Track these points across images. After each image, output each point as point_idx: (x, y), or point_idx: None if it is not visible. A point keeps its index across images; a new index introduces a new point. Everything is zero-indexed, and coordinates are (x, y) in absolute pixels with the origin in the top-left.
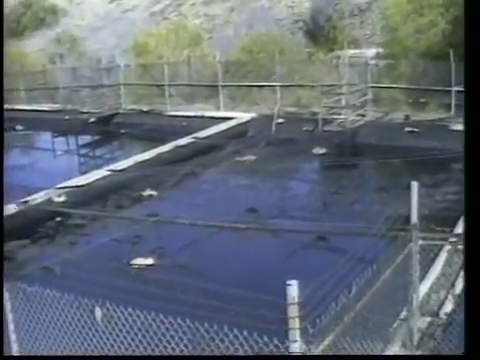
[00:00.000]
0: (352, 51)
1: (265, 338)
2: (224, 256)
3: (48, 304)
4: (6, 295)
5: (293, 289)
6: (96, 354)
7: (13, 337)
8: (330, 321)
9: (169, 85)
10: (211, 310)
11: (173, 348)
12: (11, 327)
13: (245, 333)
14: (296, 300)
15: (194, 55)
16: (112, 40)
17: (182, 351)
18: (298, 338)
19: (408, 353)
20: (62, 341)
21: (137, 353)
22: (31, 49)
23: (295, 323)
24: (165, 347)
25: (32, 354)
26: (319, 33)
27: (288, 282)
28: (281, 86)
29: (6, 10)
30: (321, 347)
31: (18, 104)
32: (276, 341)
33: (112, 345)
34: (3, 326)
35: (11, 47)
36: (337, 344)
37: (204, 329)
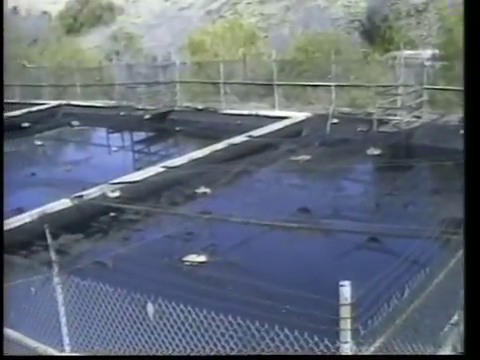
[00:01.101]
0: (408, 52)
1: (316, 338)
2: (276, 255)
3: (100, 298)
4: (59, 288)
5: (346, 290)
6: (147, 349)
7: (65, 330)
8: (381, 323)
9: (224, 83)
10: (262, 309)
11: (223, 346)
12: (63, 320)
13: (296, 333)
14: (349, 301)
15: (249, 54)
16: (168, 38)
17: (232, 349)
18: (349, 339)
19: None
20: (113, 336)
21: (188, 350)
22: (88, 46)
23: (347, 324)
24: (215, 345)
25: (32, 354)
26: (375, 33)
27: (341, 283)
28: (336, 86)
29: (63, 7)
30: (372, 349)
31: (74, 100)
32: (327, 342)
33: (163, 341)
34: (3, 326)
35: (68, 44)
36: (387, 346)
37: (255, 328)
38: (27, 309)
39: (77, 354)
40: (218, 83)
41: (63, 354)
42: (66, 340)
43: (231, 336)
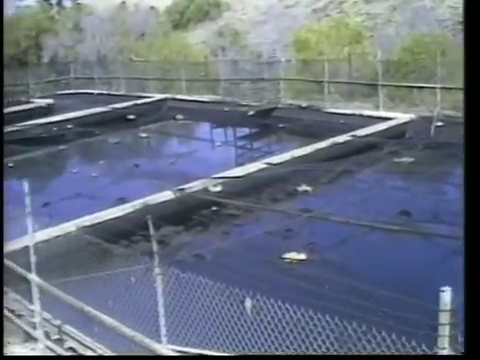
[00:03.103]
0: None
1: (413, 342)
2: (375, 256)
3: (199, 291)
4: (159, 279)
5: (446, 295)
6: (242, 344)
7: (162, 321)
8: None
9: (328, 82)
10: (360, 310)
11: (319, 345)
12: (161, 311)
13: (393, 336)
14: (449, 307)
15: (354, 53)
16: (273, 35)
17: (328, 350)
18: (447, 345)
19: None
20: (210, 329)
21: (283, 347)
22: (194, 41)
23: (445, 330)
24: (311, 344)
25: (33, 354)
26: None
27: (442, 288)
28: (441, 88)
29: (170, 2)
30: None
31: (179, 94)
32: (424, 347)
33: (259, 337)
34: (3, 326)
35: (175, 39)
36: None
37: (352, 328)
38: (126, 298)
39: (77, 354)
40: (322, 81)
41: (63, 354)
42: (163, 331)
43: (327, 336)
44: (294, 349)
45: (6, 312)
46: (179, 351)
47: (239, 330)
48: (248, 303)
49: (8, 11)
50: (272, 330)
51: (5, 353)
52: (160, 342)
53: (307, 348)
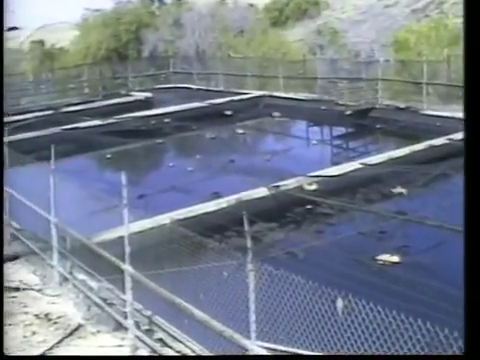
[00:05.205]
0: None
1: None
2: None
3: (291, 289)
4: (251, 275)
5: None
6: (331, 344)
7: (252, 317)
8: None
9: (427, 83)
10: (451, 316)
11: (409, 349)
12: (252, 307)
13: None
14: None
15: (454, 54)
16: (372, 34)
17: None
18: None
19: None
20: (300, 327)
21: (373, 350)
22: (292, 39)
23: None
24: (401, 347)
25: (34, 354)
26: None
27: None
28: None
29: (269, 0)
30: None
31: (276, 91)
32: None
33: (349, 338)
34: (3, 326)
35: (273, 36)
36: None
37: (443, 335)
38: (217, 292)
39: (76, 354)
40: (421, 83)
41: (63, 354)
42: (253, 327)
43: (418, 340)
44: (384, 352)
45: (98, 300)
46: (267, 348)
47: (329, 330)
48: (340, 303)
49: (108, 5)
50: (362, 332)
51: (7, 353)
52: (249, 338)
53: (397, 351)
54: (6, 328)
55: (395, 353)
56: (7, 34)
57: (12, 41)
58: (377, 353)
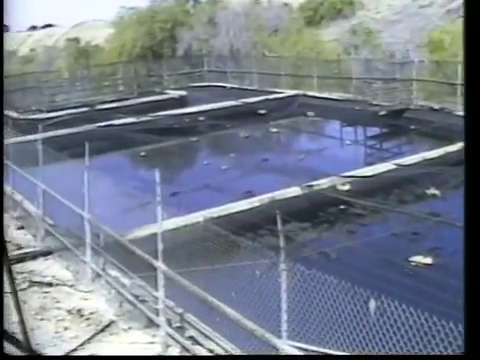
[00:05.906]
0: None
1: None
2: None
3: (323, 289)
4: (284, 275)
5: None
6: (363, 345)
7: (284, 317)
8: None
9: (462, 84)
10: None
11: (441, 351)
12: (284, 307)
13: None
14: None
15: None
16: (406, 34)
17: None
18: None
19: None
20: (332, 327)
21: (404, 351)
22: (327, 38)
23: None
24: (432, 349)
25: (35, 354)
26: None
27: None
28: None
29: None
30: None
31: (311, 91)
32: None
33: (380, 339)
34: (3, 324)
35: (308, 35)
36: None
37: None
38: (249, 291)
39: (77, 354)
40: (455, 84)
41: (63, 354)
42: (284, 326)
43: (450, 343)
44: (415, 353)
45: (130, 297)
46: (299, 348)
47: (360, 331)
48: (372, 304)
49: (143, 3)
50: (394, 333)
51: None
52: (280, 337)
53: (428, 353)
54: (38, 323)
55: (427, 353)
56: (43, 31)
57: (48, 39)
58: (408, 354)
